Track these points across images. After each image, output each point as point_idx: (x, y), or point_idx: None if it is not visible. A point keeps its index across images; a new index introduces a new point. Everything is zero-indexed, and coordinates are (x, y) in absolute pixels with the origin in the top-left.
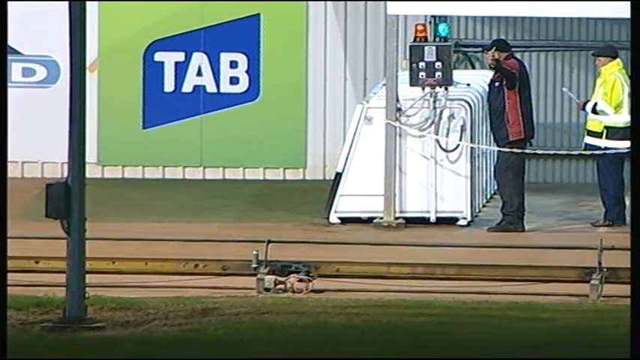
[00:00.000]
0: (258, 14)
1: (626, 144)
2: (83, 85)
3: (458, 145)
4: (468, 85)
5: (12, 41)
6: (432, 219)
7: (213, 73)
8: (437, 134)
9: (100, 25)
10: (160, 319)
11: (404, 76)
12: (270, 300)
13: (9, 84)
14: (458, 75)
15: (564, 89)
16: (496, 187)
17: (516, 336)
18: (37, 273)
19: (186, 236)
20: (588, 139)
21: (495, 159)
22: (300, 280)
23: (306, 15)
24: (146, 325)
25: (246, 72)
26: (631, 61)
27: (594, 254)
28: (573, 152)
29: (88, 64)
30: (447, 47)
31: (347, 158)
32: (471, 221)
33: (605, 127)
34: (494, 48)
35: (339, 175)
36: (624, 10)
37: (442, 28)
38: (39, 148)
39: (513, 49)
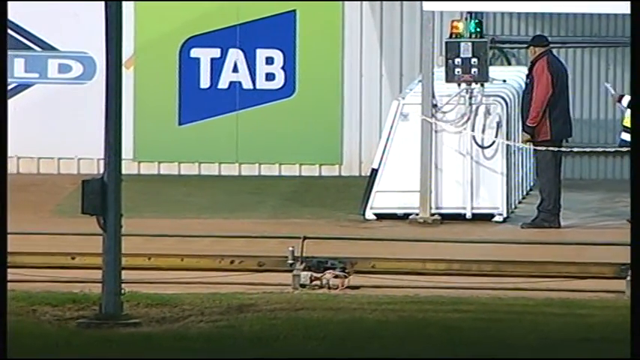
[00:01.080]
0: (294, 10)
1: None
2: (119, 82)
3: (494, 142)
4: (504, 81)
5: (48, 37)
6: (468, 215)
7: (249, 70)
8: (473, 130)
9: (136, 22)
10: (195, 315)
11: (440, 72)
12: (305, 296)
13: (45, 80)
14: (494, 71)
15: (607, 84)
16: (536, 184)
17: (552, 332)
18: (73, 269)
19: (222, 232)
20: (625, 135)
21: (531, 156)
22: (336, 277)
23: (342, 11)
24: (182, 321)
25: (282, 68)
26: (631, 61)
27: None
28: (609, 149)
29: (124, 60)
30: (483, 43)
31: (383, 154)
32: (507, 217)
33: None
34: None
35: (374, 172)
36: None
37: (471, 25)
38: (75, 144)
39: (550, 46)
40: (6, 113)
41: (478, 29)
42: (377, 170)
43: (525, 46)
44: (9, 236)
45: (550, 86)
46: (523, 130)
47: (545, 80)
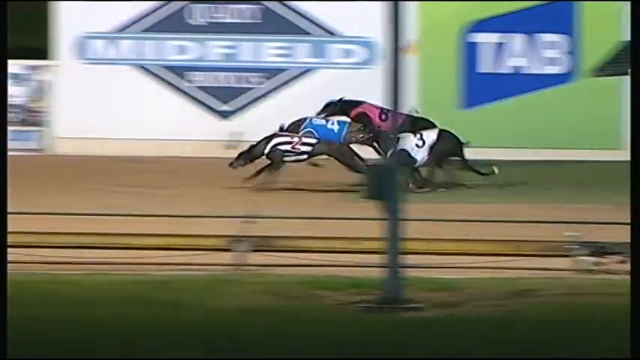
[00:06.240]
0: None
1: None
2: (400, 67)
3: None
4: None
5: (331, 23)
6: None
7: (531, 54)
8: None
9: (420, 8)
10: (478, 300)
11: None
12: (587, 281)
13: (328, 65)
14: None
15: None
16: None
17: None
18: (353, 253)
19: (503, 217)
20: None
21: None
22: (621, 262)
23: None
24: (464, 305)
25: (567, 53)
26: (631, 61)
27: None
28: None
29: (406, 46)
30: None
31: None
32: None
33: None
34: None
35: None
36: None
37: None
38: None
39: None
40: (6, 112)
41: None
42: None
43: None
44: (301, 220)
45: None
46: None
47: None
